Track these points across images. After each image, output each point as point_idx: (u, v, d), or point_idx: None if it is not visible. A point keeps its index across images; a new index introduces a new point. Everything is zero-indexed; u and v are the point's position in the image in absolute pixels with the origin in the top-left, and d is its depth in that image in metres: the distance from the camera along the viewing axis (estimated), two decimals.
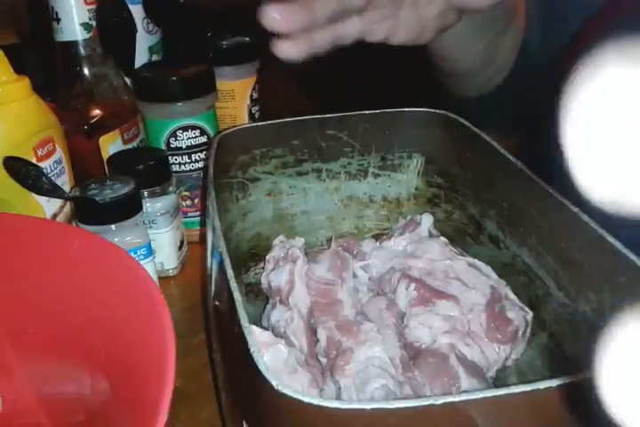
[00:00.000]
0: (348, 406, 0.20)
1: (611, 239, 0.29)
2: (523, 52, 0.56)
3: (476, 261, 0.41)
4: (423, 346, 0.37)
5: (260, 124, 0.44)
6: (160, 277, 0.50)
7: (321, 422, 0.21)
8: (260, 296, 0.46)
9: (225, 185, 0.43)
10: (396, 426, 0.21)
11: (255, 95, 0.62)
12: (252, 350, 0.23)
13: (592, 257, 0.31)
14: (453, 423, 0.21)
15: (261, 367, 0.22)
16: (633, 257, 0.27)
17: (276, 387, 0.22)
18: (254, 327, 0.30)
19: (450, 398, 0.20)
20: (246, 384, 0.25)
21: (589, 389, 0.11)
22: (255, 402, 0.24)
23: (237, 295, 0.27)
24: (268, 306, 0.42)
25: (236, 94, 0.61)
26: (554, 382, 0.20)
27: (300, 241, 0.45)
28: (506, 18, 0.52)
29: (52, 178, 0.45)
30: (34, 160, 0.44)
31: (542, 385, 0.20)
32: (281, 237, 0.46)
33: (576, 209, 0.31)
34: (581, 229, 0.31)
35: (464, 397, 0.20)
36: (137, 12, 0.58)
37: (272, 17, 0.36)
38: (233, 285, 0.27)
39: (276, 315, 0.40)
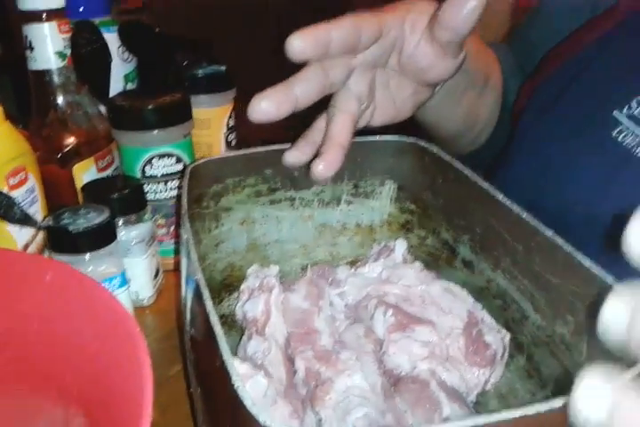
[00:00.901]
0: None
1: (586, 262, 0.29)
2: (505, 108, 0.58)
3: (452, 286, 0.41)
4: (403, 373, 0.37)
5: (231, 154, 0.44)
6: (135, 307, 0.50)
7: None
8: (234, 328, 0.45)
9: (197, 215, 0.43)
10: None
11: (232, 123, 0.62)
12: (236, 386, 0.23)
13: (567, 279, 0.31)
14: None
15: (247, 403, 0.22)
16: (609, 279, 0.28)
17: (263, 423, 0.21)
18: (234, 361, 0.30)
19: None
20: (230, 420, 0.25)
21: None
22: None
23: (219, 329, 0.26)
24: (244, 337, 0.41)
25: (212, 122, 0.61)
26: (542, 407, 0.20)
27: (274, 269, 0.45)
28: (480, 81, 0.54)
29: (25, 207, 0.45)
30: (5, 189, 0.44)
31: (531, 411, 0.20)
32: (255, 267, 0.45)
33: (550, 233, 0.32)
34: (555, 252, 0.31)
35: (456, 424, 0.20)
36: (112, 40, 0.59)
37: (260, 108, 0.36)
38: (213, 318, 0.27)
39: (253, 346, 0.39)
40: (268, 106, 0.36)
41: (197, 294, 0.30)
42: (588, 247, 0.31)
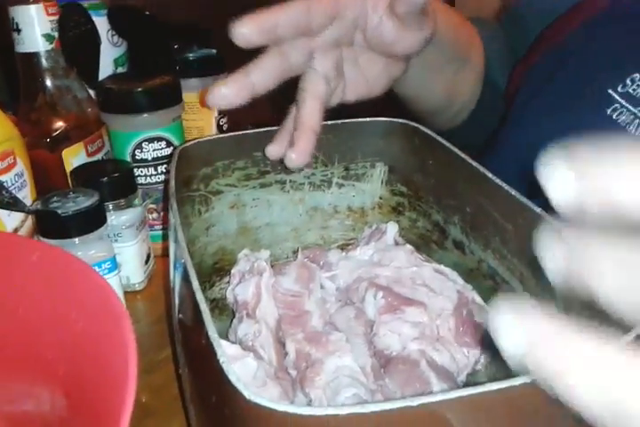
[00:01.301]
0: (322, 412, 0.20)
1: None
2: (487, 85, 0.58)
3: (442, 267, 0.41)
4: (393, 353, 0.36)
5: (221, 136, 0.44)
6: (126, 292, 0.49)
7: None
8: (225, 312, 0.45)
9: (187, 199, 0.43)
10: None
11: None
12: (221, 361, 0.23)
13: None
14: (430, 425, 0.21)
15: (232, 378, 0.22)
16: None
17: (247, 397, 0.21)
18: (222, 341, 0.30)
19: (425, 399, 0.20)
20: (216, 396, 0.25)
21: None
22: (226, 414, 0.24)
23: (204, 307, 0.26)
24: (235, 320, 0.41)
25: (203, 106, 0.60)
26: (529, 379, 0.20)
27: (265, 254, 0.44)
28: (459, 55, 0.53)
29: (13, 191, 0.44)
30: None
31: (517, 382, 0.20)
32: (246, 251, 0.45)
33: (539, 209, 0.31)
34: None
35: (439, 397, 0.20)
36: (102, 23, 0.58)
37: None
38: (199, 296, 0.27)
39: (244, 329, 0.39)
40: (226, 92, 0.37)
41: (185, 277, 0.30)
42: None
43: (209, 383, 0.26)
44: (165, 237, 0.56)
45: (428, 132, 0.43)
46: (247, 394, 0.21)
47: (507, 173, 0.38)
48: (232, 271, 0.44)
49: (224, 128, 0.63)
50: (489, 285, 0.38)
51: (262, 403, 0.21)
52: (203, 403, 0.28)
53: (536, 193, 0.18)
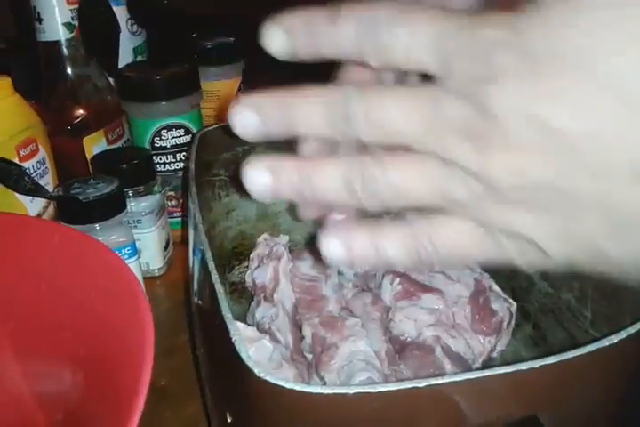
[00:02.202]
0: (331, 391, 0.20)
1: None
2: None
3: None
4: (409, 339, 0.37)
5: None
6: (145, 278, 0.50)
7: (305, 409, 0.21)
8: (244, 295, 0.45)
9: (207, 183, 0.43)
10: (379, 410, 0.21)
11: None
12: (234, 340, 0.23)
13: None
14: (437, 406, 0.21)
15: (243, 356, 0.22)
16: None
17: (258, 375, 0.21)
18: (238, 323, 0.30)
19: (433, 381, 0.20)
20: (229, 376, 0.25)
21: None
22: (238, 393, 0.24)
23: (219, 287, 0.26)
24: (253, 303, 0.42)
25: (221, 94, 0.61)
26: (536, 363, 0.20)
27: (284, 239, 0.45)
28: None
29: (36, 178, 0.45)
30: (16, 160, 0.44)
31: (525, 366, 0.20)
32: (265, 235, 0.46)
33: None
34: None
35: (447, 379, 0.20)
36: (121, 13, 0.58)
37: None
38: (215, 277, 0.27)
39: (261, 312, 0.40)
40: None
41: (203, 259, 0.30)
42: None
43: (223, 363, 0.26)
44: (184, 225, 0.57)
45: None
46: (258, 372, 0.21)
47: None
48: (251, 255, 0.44)
49: None
50: (506, 272, 0.38)
51: (272, 381, 0.21)
52: (217, 383, 0.29)
53: None
